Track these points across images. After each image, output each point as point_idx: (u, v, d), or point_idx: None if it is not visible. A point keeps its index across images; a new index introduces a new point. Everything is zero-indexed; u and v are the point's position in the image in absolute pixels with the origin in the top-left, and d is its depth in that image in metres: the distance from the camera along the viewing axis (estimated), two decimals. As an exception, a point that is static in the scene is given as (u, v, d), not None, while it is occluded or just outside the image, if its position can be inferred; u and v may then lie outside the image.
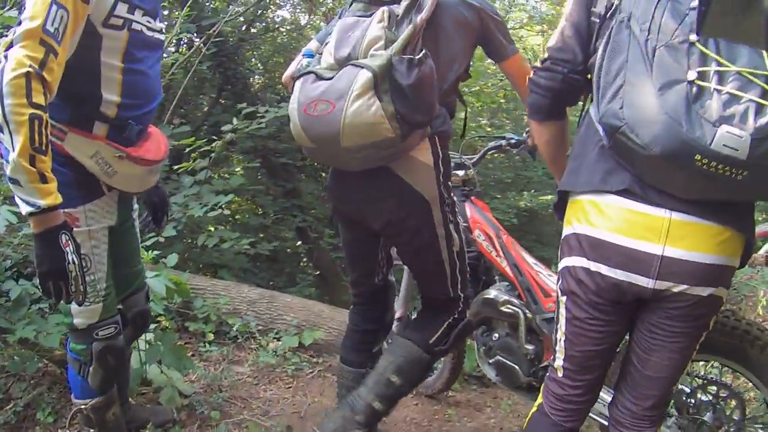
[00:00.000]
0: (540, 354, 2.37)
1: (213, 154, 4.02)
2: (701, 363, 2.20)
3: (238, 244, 3.93)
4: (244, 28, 5.78)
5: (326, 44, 1.84)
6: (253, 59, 7.00)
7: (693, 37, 1.23)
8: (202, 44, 4.42)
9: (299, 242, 6.51)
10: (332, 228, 7.26)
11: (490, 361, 2.51)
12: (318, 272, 6.53)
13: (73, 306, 1.86)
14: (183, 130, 4.31)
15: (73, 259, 1.62)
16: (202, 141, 3.93)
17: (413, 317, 2.36)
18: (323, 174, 7.80)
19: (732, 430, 2.02)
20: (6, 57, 1.50)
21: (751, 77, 1.20)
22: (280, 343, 3.52)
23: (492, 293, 2.48)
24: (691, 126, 1.20)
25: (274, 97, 6.53)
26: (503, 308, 2.42)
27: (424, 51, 1.74)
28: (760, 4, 1.12)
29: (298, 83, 1.80)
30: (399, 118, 1.70)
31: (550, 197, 6.22)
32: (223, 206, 3.79)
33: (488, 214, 2.65)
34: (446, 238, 2.05)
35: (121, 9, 1.72)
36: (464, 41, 1.96)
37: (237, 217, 6.27)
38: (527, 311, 2.39)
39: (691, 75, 1.22)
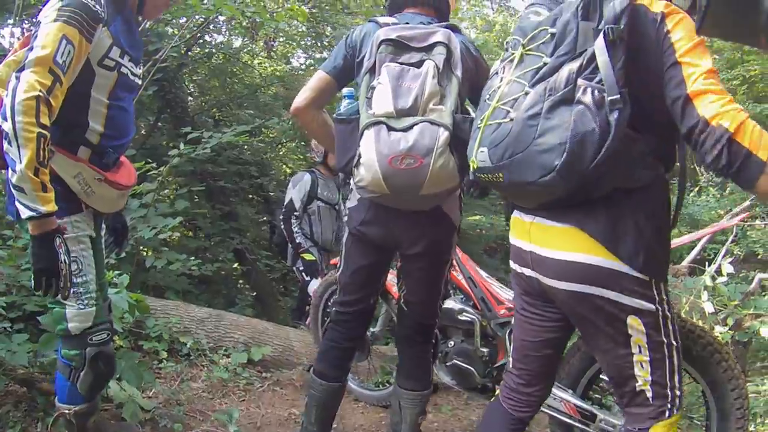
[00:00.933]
0: (494, 356, 2.64)
1: (160, 178, 4.12)
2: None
3: (185, 265, 4.04)
4: (182, 51, 5.87)
5: (372, 89, 2.00)
6: (186, 82, 7.07)
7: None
8: (146, 71, 4.51)
9: (236, 264, 6.60)
10: (271, 251, 7.39)
11: (447, 364, 2.73)
12: (255, 293, 6.63)
13: (69, 310, 2.04)
14: (129, 153, 4.36)
15: (64, 259, 1.86)
16: (150, 164, 4.02)
17: (402, 362, 2.53)
18: (256, 198, 7.92)
19: None
20: (18, 78, 1.73)
21: (501, 106, 1.59)
22: (229, 359, 3.67)
23: (449, 304, 2.76)
24: (474, 158, 1.64)
25: (209, 121, 6.64)
26: (460, 316, 2.72)
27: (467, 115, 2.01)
28: (759, 4, 1.14)
29: (370, 133, 1.94)
30: (460, 168, 1.94)
31: (478, 217, 6.60)
32: (170, 229, 3.90)
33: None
34: (452, 258, 2.37)
35: (115, 53, 1.99)
36: (468, 86, 2.16)
37: (171, 239, 6.30)
38: (482, 318, 2.68)
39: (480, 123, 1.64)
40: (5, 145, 1.74)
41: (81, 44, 1.83)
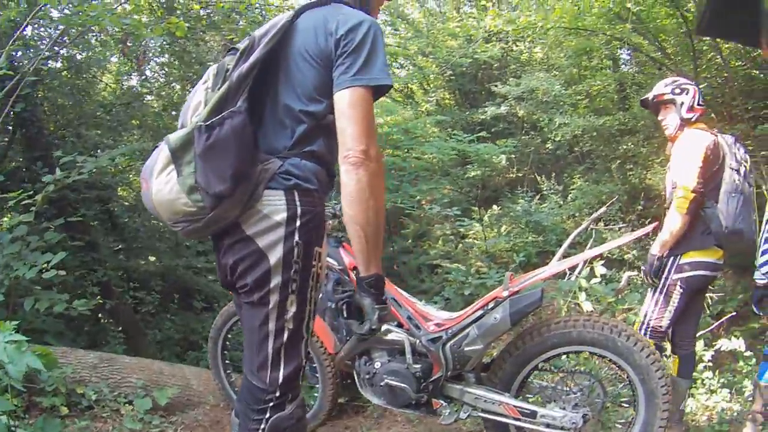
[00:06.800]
0: (428, 371, 2.56)
1: (34, 208, 3.66)
2: (566, 355, 2.65)
3: (75, 306, 3.63)
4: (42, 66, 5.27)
5: None
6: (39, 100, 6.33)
7: None
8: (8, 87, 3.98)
9: (100, 299, 5.99)
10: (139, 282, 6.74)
11: (380, 384, 2.60)
12: (120, 329, 6.06)
13: None
14: (-9, 180, 3.83)
15: None
16: (26, 193, 3.56)
17: None
18: (118, 226, 7.23)
19: (597, 408, 2.49)
20: None
21: None
22: (132, 407, 3.35)
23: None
24: None
25: (68, 142, 6.00)
26: (387, 337, 2.62)
27: (223, 114, 1.62)
28: (759, 4, 1.12)
29: None
30: (200, 190, 1.62)
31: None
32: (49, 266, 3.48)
33: (362, 257, 2.89)
34: (278, 307, 1.74)
35: None
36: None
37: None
38: (411, 336, 2.60)
39: None
40: None
41: None
